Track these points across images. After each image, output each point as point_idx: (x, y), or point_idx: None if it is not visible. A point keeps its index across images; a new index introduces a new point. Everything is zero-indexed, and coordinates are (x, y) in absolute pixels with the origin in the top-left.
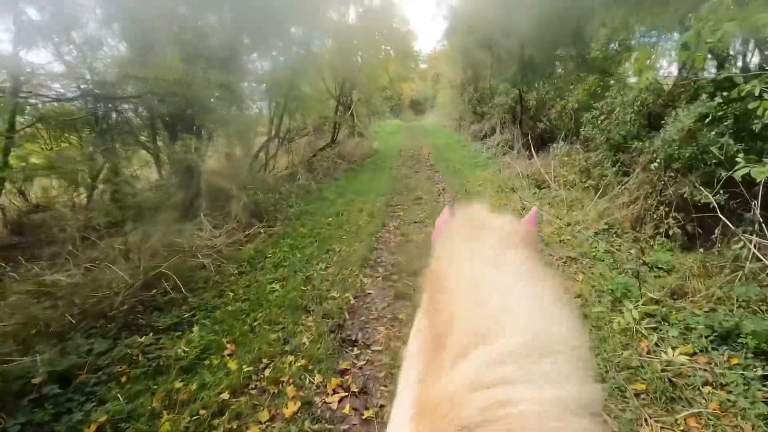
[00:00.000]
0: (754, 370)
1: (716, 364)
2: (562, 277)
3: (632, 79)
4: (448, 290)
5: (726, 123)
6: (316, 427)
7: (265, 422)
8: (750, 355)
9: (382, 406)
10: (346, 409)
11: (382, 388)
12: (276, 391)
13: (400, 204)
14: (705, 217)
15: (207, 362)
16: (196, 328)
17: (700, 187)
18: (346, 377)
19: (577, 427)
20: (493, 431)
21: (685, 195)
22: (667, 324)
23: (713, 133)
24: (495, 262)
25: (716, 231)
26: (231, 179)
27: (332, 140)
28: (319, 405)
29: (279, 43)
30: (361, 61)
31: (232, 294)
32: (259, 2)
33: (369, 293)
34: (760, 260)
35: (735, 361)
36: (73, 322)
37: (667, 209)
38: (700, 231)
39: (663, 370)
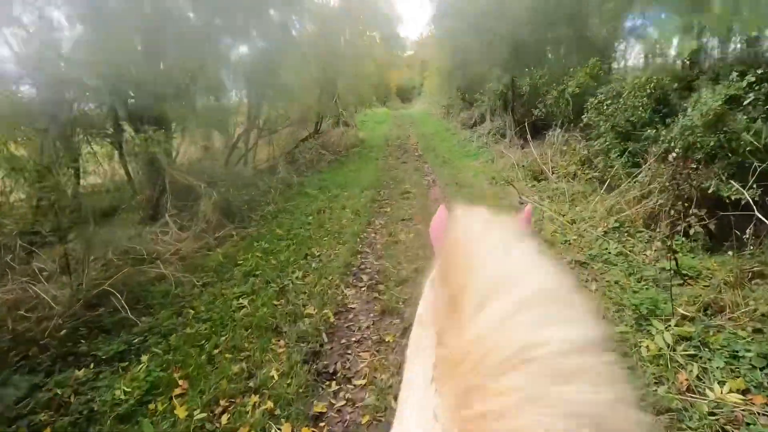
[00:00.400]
0: None
1: None
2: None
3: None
4: (460, 262)
5: (762, 105)
6: None
7: None
8: None
9: None
10: None
11: None
12: None
13: (387, 199)
14: (730, 214)
15: (151, 407)
16: (145, 359)
17: (731, 181)
18: (321, 425)
19: (604, 359)
20: (529, 372)
21: (709, 189)
22: (707, 350)
23: (745, 117)
24: (503, 243)
25: (748, 230)
26: (201, 174)
27: (315, 130)
28: None
29: (256, 26)
30: (345, 46)
31: (192, 312)
32: None
33: (351, 308)
34: None
35: None
36: None
37: (686, 205)
38: (726, 230)
39: (711, 413)
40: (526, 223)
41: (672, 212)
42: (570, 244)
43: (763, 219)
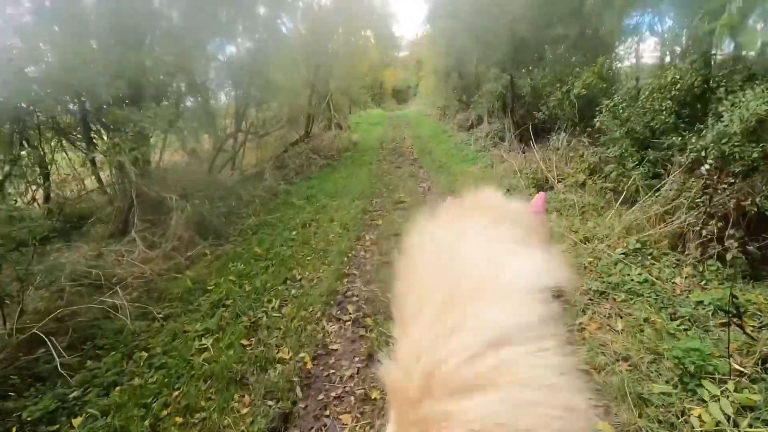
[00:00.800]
0: None
1: None
2: (593, 326)
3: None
4: (419, 267)
5: None
6: None
7: None
8: None
9: None
10: None
11: None
12: None
13: (379, 210)
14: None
15: None
16: (77, 422)
17: None
18: None
19: (525, 350)
20: (434, 394)
21: (747, 207)
22: None
23: None
24: (474, 240)
25: None
26: (178, 183)
27: (306, 133)
28: None
29: (241, 22)
30: (337, 45)
31: (145, 355)
32: None
33: (333, 350)
34: None
35: None
36: None
37: (720, 225)
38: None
39: None
40: (539, 208)
41: (703, 233)
42: (585, 268)
43: None
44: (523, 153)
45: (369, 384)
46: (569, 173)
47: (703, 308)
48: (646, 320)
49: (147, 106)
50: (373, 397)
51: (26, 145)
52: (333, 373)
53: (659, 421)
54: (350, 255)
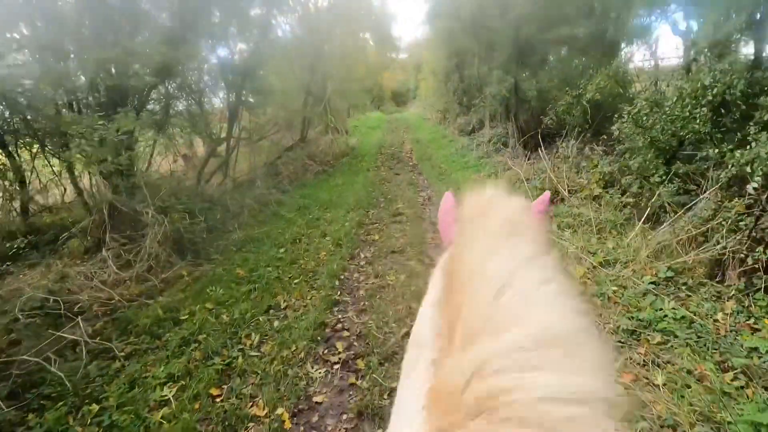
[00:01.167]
0: None
1: None
2: (627, 377)
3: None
4: (460, 280)
5: None
6: None
7: None
8: None
9: None
10: None
11: None
12: None
13: (376, 222)
14: None
15: None
16: None
17: None
18: None
19: (598, 413)
20: (495, 419)
21: None
22: None
23: None
24: (507, 254)
25: None
26: (154, 196)
27: (301, 138)
28: None
29: (234, 23)
30: (335, 47)
31: (96, 409)
32: None
33: (317, 402)
34: None
35: None
36: None
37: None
38: None
39: None
40: (543, 207)
41: (748, 260)
42: (609, 298)
43: None
44: (529, 160)
45: None
46: (582, 184)
47: (759, 357)
48: (689, 372)
49: (125, 112)
50: None
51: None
52: None
53: None
54: (342, 277)
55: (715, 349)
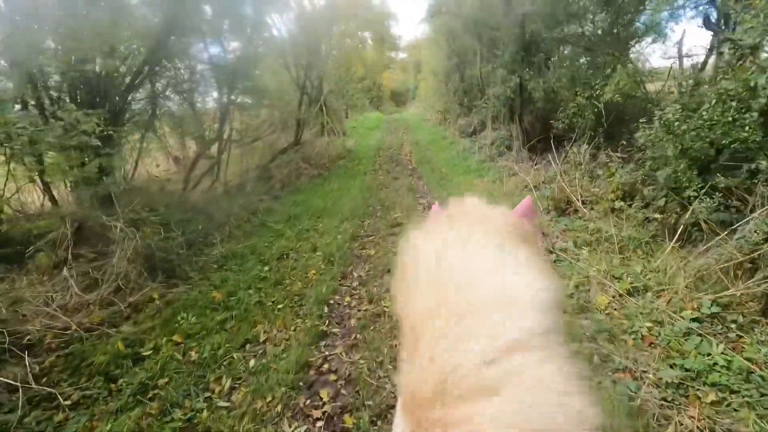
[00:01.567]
0: None
1: None
2: None
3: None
4: (421, 281)
5: None
6: None
7: None
8: None
9: None
10: None
11: None
12: None
13: (372, 234)
14: None
15: None
16: None
17: None
18: None
19: (537, 356)
20: (449, 399)
21: None
22: None
23: None
24: (472, 251)
25: None
26: (128, 205)
27: (295, 140)
28: None
29: (225, 20)
30: (332, 46)
31: None
32: None
33: None
34: None
35: None
36: None
37: None
38: None
39: None
40: (526, 215)
41: None
42: (643, 338)
43: None
44: (536, 165)
45: None
46: (597, 194)
47: None
48: None
49: (69, 110)
50: None
51: None
52: None
53: None
54: (332, 302)
55: None
